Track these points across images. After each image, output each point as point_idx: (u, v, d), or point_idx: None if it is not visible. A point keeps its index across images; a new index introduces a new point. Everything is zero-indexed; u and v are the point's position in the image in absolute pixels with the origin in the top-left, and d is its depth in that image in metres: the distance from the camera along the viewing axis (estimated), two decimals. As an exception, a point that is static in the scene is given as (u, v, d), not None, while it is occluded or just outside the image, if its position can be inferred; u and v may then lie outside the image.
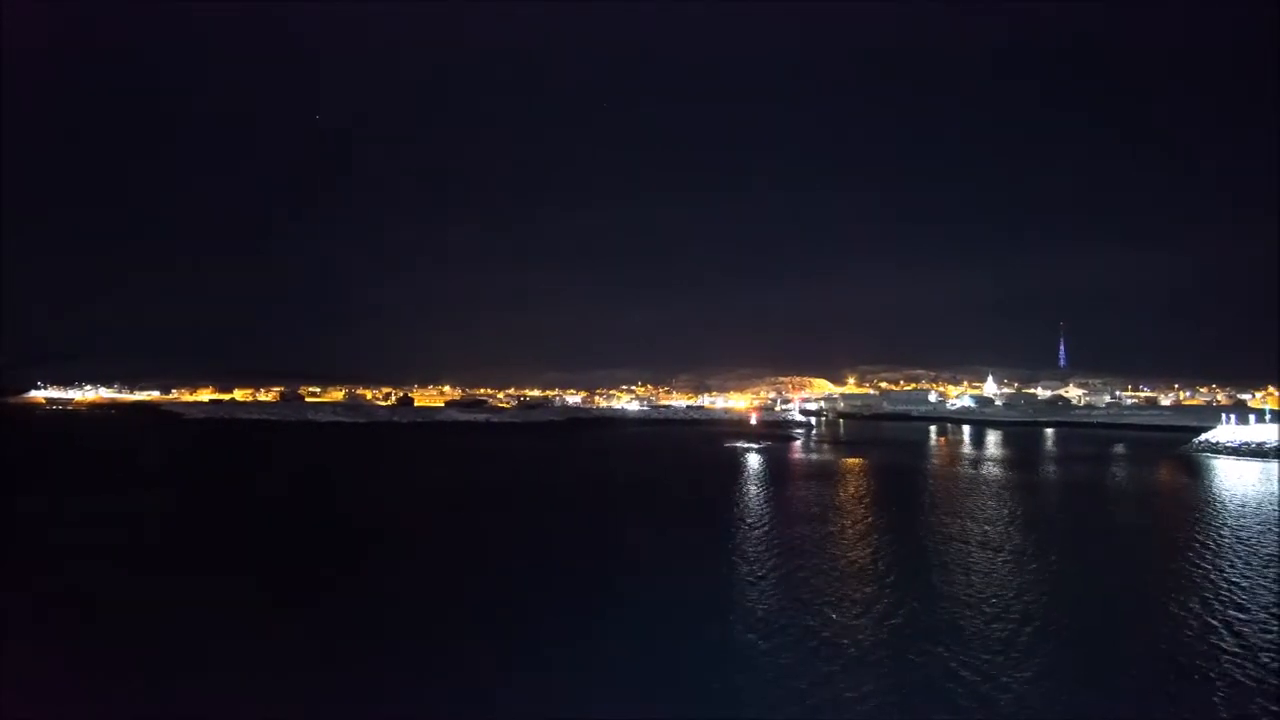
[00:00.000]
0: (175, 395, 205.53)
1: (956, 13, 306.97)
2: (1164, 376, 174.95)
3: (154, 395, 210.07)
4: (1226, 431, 58.50)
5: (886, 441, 74.39)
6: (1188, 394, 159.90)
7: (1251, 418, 60.98)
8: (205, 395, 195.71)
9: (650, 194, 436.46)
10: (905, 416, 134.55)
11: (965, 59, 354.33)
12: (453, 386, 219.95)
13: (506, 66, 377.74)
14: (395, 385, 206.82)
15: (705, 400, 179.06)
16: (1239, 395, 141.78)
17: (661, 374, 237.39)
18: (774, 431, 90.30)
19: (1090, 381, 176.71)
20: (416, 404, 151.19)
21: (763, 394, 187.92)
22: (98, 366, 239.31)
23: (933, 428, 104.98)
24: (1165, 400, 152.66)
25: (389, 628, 14.48)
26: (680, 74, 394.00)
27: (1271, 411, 64.66)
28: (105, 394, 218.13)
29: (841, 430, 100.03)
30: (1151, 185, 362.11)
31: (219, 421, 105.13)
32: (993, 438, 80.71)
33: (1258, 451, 54.27)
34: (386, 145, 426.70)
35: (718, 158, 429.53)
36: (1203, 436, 59.64)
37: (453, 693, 11.63)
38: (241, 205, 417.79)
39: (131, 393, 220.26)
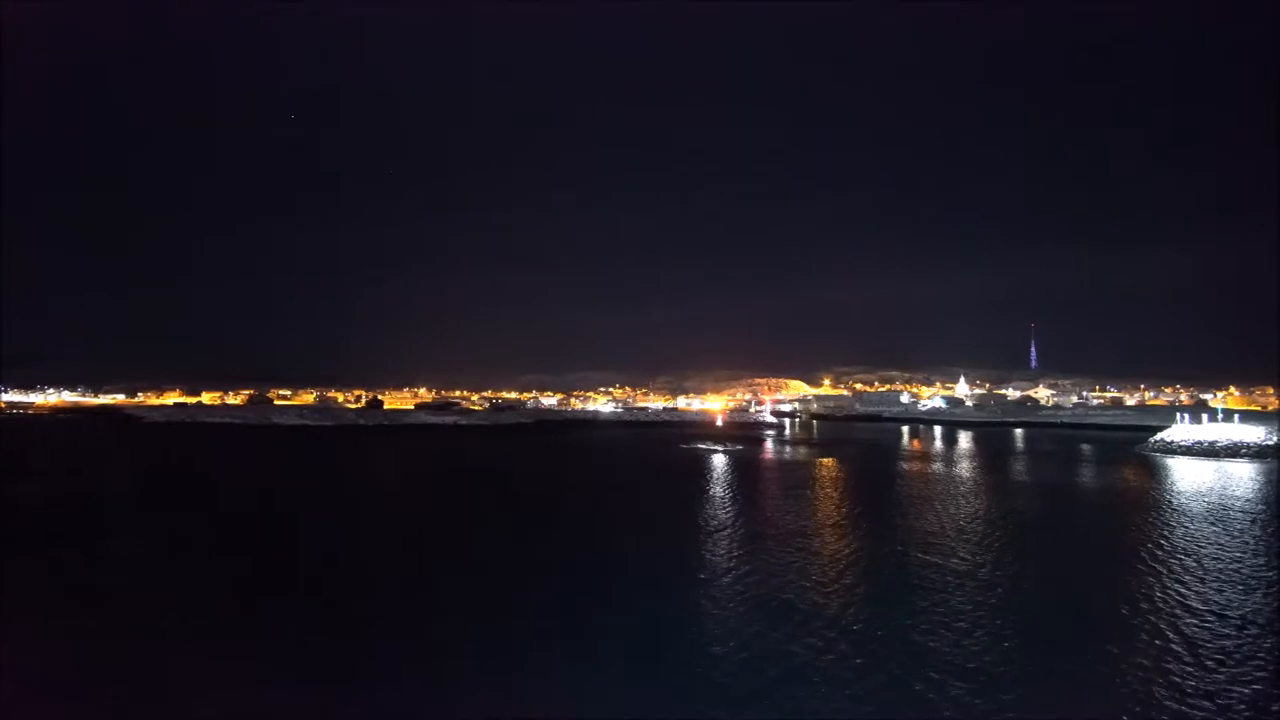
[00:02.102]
0: (141, 399, 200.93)
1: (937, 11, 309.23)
2: (1131, 377, 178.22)
3: (119, 399, 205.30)
4: (1180, 431, 59.20)
5: (855, 442, 74.50)
6: (1152, 394, 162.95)
7: (1204, 417, 61.80)
8: (171, 399, 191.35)
9: (637, 196, 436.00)
10: (877, 417, 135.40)
11: (952, 59, 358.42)
12: (430, 389, 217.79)
13: (493, 65, 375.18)
14: (372, 388, 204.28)
15: (681, 402, 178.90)
16: (1201, 395, 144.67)
17: (640, 376, 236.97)
18: (743, 433, 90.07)
19: (1059, 382, 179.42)
20: (386, 406, 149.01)
21: (739, 396, 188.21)
22: (66, 369, 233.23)
23: (905, 428, 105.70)
24: (1130, 400, 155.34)
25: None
26: (664, 76, 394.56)
27: (1224, 411, 65.65)
28: (69, 397, 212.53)
29: (815, 431, 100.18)
30: (1133, 186, 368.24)
31: (178, 425, 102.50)
32: (953, 437, 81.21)
33: (1209, 450, 55.00)
34: (369, 146, 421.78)
35: (703, 161, 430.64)
36: (1158, 436, 60.29)
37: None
38: (219, 206, 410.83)
39: (96, 396, 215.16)
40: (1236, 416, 62.65)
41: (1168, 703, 11.09)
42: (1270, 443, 54.84)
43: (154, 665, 12.67)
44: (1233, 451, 54.11)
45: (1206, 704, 11.04)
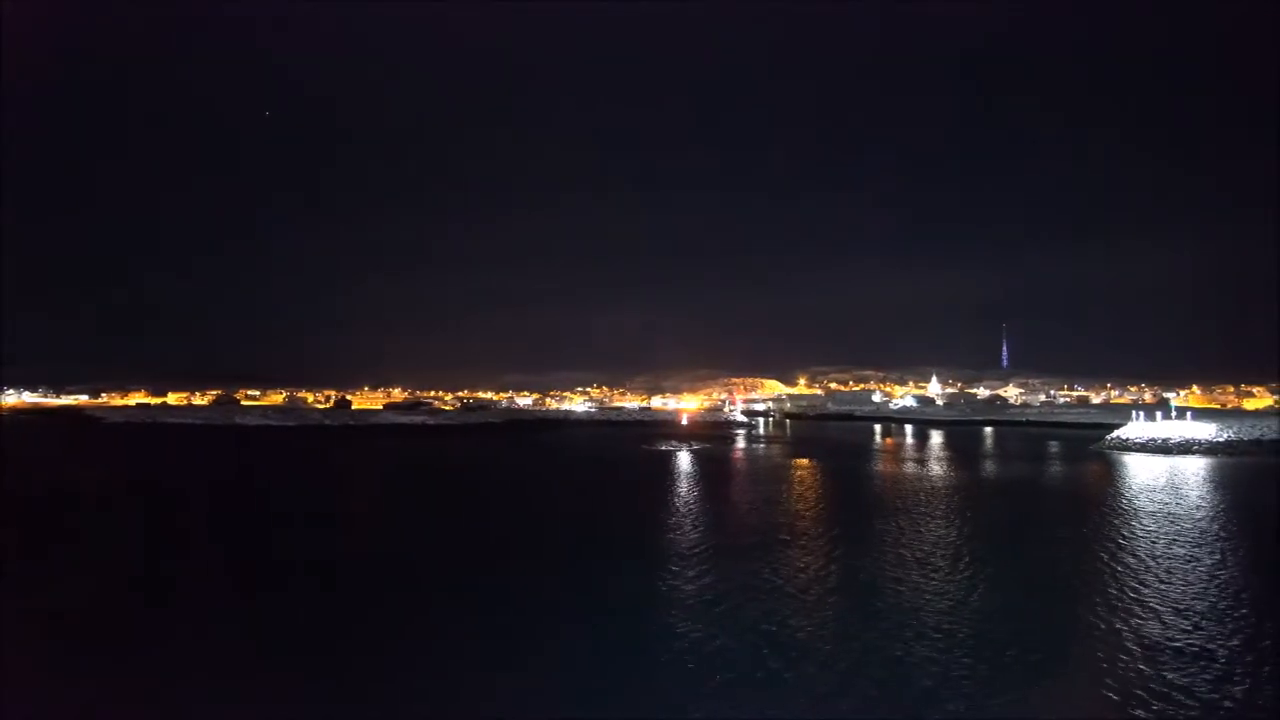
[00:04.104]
0: (105, 399, 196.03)
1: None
2: (1100, 376, 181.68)
3: (82, 399, 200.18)
4: (1135, 429, 59.99)
5: (825, 440, 74.69)
6: (1118, 393, 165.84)
7: (1158, 415, 62.70)
8: (135, 399, 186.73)
9: (619, 197, 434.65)
10: (849, 416, 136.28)
11: (937, 60, 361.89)
12: (406, 389, 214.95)
13: (476, 65, 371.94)
14: (348, 388, 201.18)
15: (657, 401, 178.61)
16: (1165, 394, 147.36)
17: (620, 375, 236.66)
18: (711, 432, 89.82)
19: (1030, 381, 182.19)
20: (355, 406, 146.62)
21: (715, 395, 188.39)
22: (33, 370, 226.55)
23: (877, 426, 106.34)
24: (1096, 399, 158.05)
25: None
26: (647, 76, 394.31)
27: (1177, 409, 66.72)
28: (30, 398, 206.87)
29: (787, 430, 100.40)
30: (1115, 187, 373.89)
31: (136, 426, 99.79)
32: (921, 435, 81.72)
33: (1162, 447, 55.80)
34: (352, 144, 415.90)
35: (686, 162, 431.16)
36: (1114, 434, 60.97)
37: None
38: (203, 203, 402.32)
39: (58, 397, 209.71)
40: (1189, 414, 63.68)
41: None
42: (1220, 440, 55.86)
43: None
44: (1185, 448, 54.94)
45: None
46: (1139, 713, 10.37)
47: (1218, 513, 27.71)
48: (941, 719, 10.20)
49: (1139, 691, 10.91)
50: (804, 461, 50.69)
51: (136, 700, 11.07)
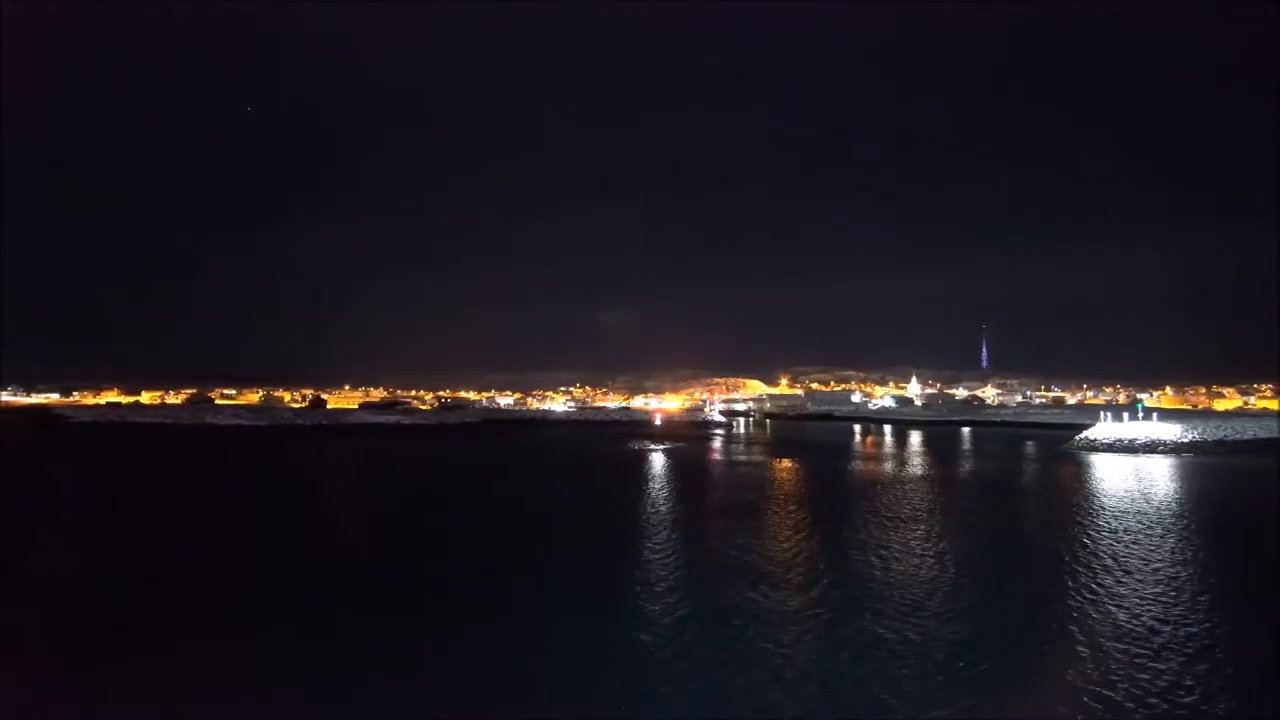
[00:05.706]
0: (76, 398, 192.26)
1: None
2: (1077, 377, 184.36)
3: (52, 398, 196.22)
4: (1103, 429, 60.60)
5: (797, 440, 74.83)
6: (1093, 394, 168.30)
7: (1125, 415, 63.45)
8: (107, 398, 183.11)
9: (612, 199, 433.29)
10: (828, 416, 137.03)
11: (925, 61, 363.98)
12: (388, 388, 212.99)
13: (471, 64, 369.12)
14: (329, 387, 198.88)
15: (638, 401, 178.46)
16: (1139, 395, 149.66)
17: (603, 375, 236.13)
18: (690, 432, 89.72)
19: (1007, 382, 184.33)
20: (330, 406, 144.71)
21: (697, 395, 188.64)
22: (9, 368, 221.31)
23: (857, 427, 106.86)
24: (1072, 400, 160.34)
25: None
26: (634, 80, 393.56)
27: (1144, 410, 67.61)
28: (2, 398, 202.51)
29: (766, 430, 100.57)
30: (1103, 187, 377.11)
31: (101, 425, 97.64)
32: (897, 435, 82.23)
33: (1129, 447, 56.49)
34: (341, 143, 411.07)
35: (675, 163, 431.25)
36: (1082, 435, 61.57)
37: None
38: (188, 203, 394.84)
39: (28, 395, 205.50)
40: (1155, 415, 64.55)
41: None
42: (1185, 440, 56.69)
43: None
44: (1150, 448, 55.70)
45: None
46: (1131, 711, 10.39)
47: (1164, 511, 28.04)
48: (941, 719, 10.14)
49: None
50: (780, 462, 50.62)
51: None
